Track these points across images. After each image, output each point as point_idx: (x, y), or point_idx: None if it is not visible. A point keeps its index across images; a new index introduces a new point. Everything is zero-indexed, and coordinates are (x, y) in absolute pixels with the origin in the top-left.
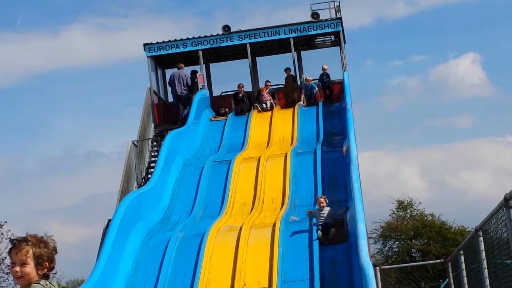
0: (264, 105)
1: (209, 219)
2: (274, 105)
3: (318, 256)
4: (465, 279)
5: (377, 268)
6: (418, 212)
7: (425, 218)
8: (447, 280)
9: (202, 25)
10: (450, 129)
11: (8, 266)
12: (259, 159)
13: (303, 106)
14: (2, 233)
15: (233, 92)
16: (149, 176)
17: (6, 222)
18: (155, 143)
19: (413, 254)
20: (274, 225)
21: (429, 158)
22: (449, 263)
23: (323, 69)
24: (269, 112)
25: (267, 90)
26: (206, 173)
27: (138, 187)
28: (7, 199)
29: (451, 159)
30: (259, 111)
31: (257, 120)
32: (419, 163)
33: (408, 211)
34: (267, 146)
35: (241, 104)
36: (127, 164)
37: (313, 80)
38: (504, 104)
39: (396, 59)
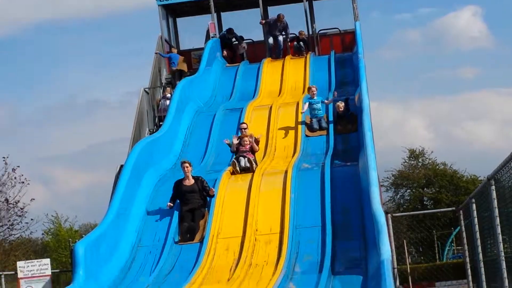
0: (243, 163)
1: (221, 165)
2: (255, 164)
3: (330, 203)
4: (477, 227)
5: (389, 215)
6: (430, 161)
7: (437, 167)
8: (459, 228)
9: None
10: (454, 80)
11: (21, 209)
12: (271, 107)
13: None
14: (15, 177)
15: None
16: (161, 123)
17: (18, 166)
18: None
19: (424, 202)
20: (286, 172)
21: (434, 108)
22: (461, 211)
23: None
24: (281, 60)
25: (247, 137)
26: (218, 120)
27: (150, 134)
28: (10, 146)
29: (457, 110)
30: (236, 172)
31: (269, 69)
32: (424, 114)
33: (420, 160)
34: (279, 95)
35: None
36: (138, 111)
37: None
38: (507, 56)
39: (402, 11)
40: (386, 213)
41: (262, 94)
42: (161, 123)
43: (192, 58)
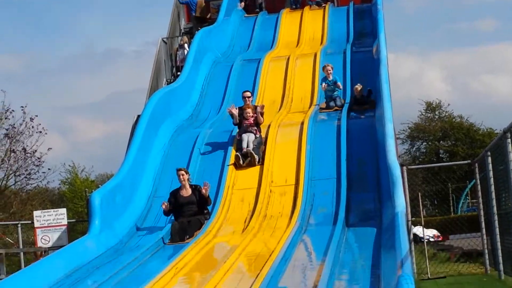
0: (245, 143)
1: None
2: (257, 156)
3: (345, 155)
4: (492, 180)
5: (404, 167)
6: (447, 114)
7: (454, 119)
8: (474, 181)
9: None
10: (473, 32)
11: (38, 158)
12: (288, 58)
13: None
14: (33, 127)
15: None
16: (178, 73)
17: (36, 116)
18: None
19: (440, 155)
20: (302, 123)
21: (452, 61)
22: (476, 164)
23: None
24: (300, 11)
25: (250, 108)
26: (236, 71)
27: (168, 84)
28: (29, 95)
29: (474, 63)
30: (238, 166)
31: (287, 19)
32: (442, 66)
33: (437, 112)
34: (297, 45)
35: None
36: (156, 61)
37: None
38: None
39: None
40: (402, 165)
41: (280, 45)
42: (178, 73)
43: (211, 8)
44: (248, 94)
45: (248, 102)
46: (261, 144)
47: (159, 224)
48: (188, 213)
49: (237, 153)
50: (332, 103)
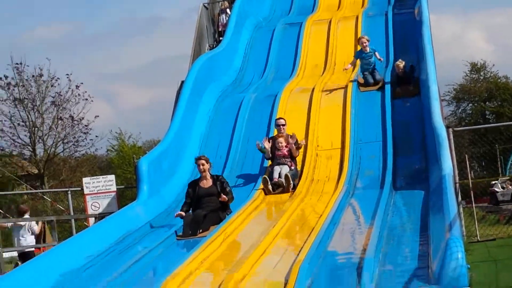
0: (276, 174)
1: (281, 80)
2: (293, 182)
3: (390, 118)
4: None
5: (450, 129)
6: (492, 75)
7: (499, 80)
8: None
9: None
10: None
11: (85, 126)
12: (330, 21)
13: None
14: (79, 94)
15: None
16: (221, 38)
17: (82, 83)
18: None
19: (486, 116)
20: (346, 87)
21: (493, 21)
22: None
23: None
24: None
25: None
26: (278, 35)
27: (210, 50)
28: (74, 63)
29: None
30: (267, 191)
31: None
32: (484, 27)
33: (482, 73)
34: (338, 8)
35: None
36: (198, 26)
37: None
38: None
39: None
40: (448, 127)
41: (321, 7)
42: (221, 38)
43: None
44: (282, 121)
45: (282, 131)
46: (296, 177)
47: None
48: (208, 206)
49: (266, 176)
50: (370, 80)
